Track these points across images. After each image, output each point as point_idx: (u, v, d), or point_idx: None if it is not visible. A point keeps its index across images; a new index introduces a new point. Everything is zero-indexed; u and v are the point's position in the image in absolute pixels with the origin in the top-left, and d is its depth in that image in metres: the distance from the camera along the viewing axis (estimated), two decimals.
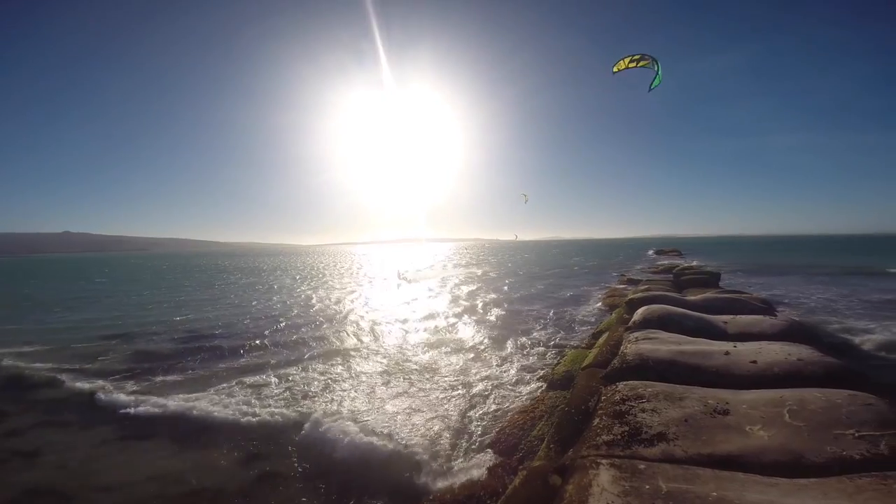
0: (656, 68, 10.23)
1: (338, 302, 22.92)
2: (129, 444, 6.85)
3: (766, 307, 8.17)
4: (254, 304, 23.08)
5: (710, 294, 8.73)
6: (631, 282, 22.52)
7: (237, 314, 19.53)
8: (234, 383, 9.59)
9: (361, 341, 13.75)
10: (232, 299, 25.30)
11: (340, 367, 10.90)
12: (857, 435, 3.72)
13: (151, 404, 8.17)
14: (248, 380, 9.83)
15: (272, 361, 11.52)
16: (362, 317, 18.04)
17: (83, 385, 9.65)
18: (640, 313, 6.73)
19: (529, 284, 30.33)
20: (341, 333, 14.82)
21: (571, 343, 12.18)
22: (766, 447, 3.80)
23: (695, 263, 37.37)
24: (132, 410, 8.02)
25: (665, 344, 5.45)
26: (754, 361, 4.76)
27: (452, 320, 17.13)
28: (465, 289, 28.04)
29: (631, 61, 10.62)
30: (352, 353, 12.32)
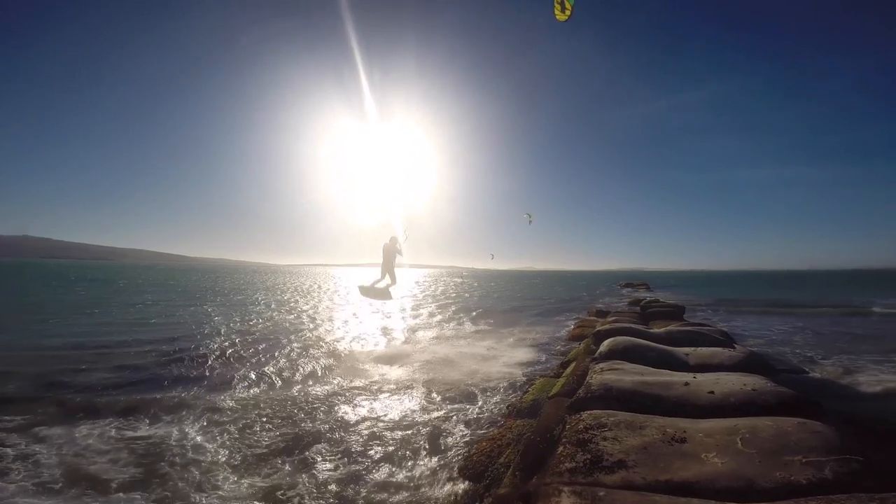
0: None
1: (297, 319, 22.41)
2: None
3: (726, 339, 8.49)
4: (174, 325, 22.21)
5: (673, 327, 9.04)
6: (600, 313, 22.92)
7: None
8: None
9: (326, 362, 13.44)
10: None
11: (299, 390, 10.63)
12: (804, 461, 3.88)
13: None
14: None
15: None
16: (324, 338, 17.68)
17: None
18: (605, 345, 6.93)
19: (502, 313, 30.47)
20: (298, 358, 14.36)
21: (540, 371, 12.29)
22: (720, 473, 3.95)
23: (661, 297, 38.59)
24: None
25: (628, 375, 5.62)
26: (712, 392, 4.96)
27: (420, 343, 17.06)
28: (437, 314, 27.96)
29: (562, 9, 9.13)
30: (313, 373, 12.06)
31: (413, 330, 21.31)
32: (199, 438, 7.39)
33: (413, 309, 31.96)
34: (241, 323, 21.86)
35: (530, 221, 35.00)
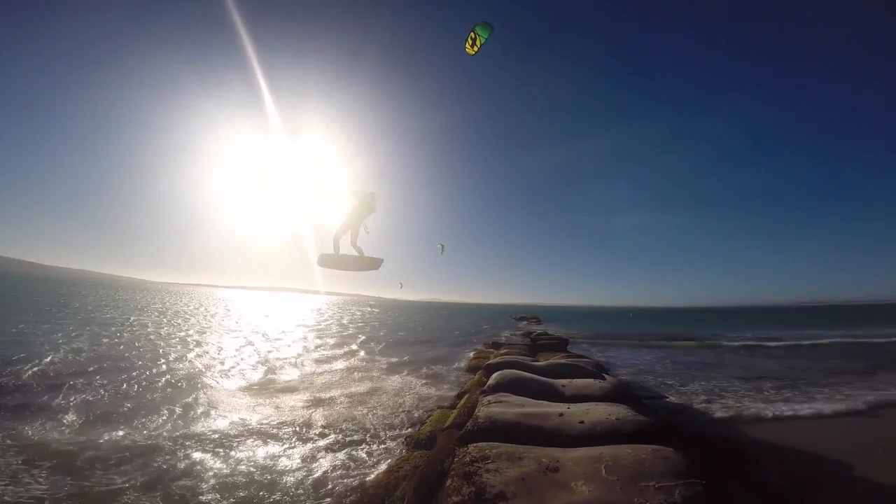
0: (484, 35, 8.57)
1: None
2: None
3: (598, 371, 9.32)
4: None
5: (554, 360, 9.75)
6: (496, 345, 23.84)
7: None
8: None
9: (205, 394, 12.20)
10: None
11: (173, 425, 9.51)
12: (657, 486, 4.30)
13: None
14: None
15: None
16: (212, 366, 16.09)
17: None
18: (494, 377, 7.27)
19: (407, 344, 30.29)
20: (176, 391, 12.91)
21: (438, 402, 12.38)
22: (587, 501, 4.28)
23: (550, 330, 41.31)
24: None
25: (512, 407, 5.94)
26: (582, 422, 5.43)
27: (319, 375, 16.29)
28: (342, 344, 26.92)
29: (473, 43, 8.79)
30: (193, 405, 10.87)
31: (315, 361, 20.30)
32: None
33: (317, 338, 30.52)
34: (95, 347, 19.05)
35: (442, 251, 35.33)
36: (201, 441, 8.68)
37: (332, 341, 28.90)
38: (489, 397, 6.47)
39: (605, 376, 9.11)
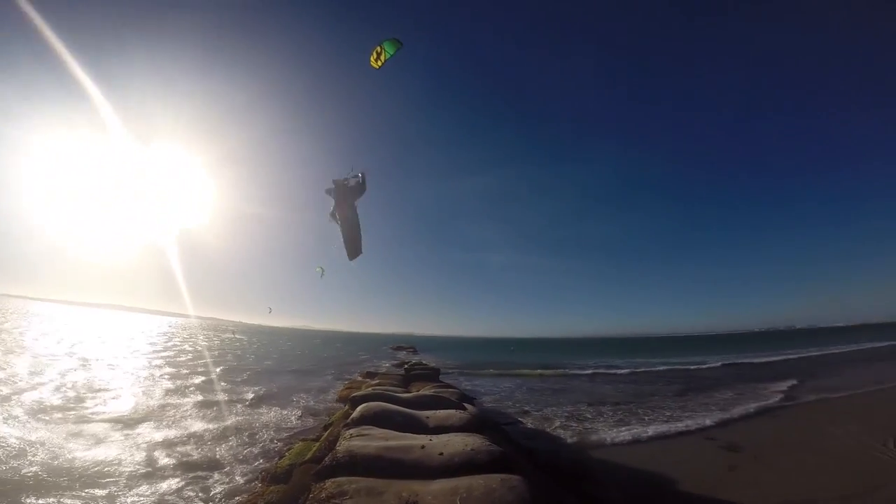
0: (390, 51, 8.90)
1: None
2: None
3: (459, 402, 9.68)
4: None
5: (420, 391, 9.90)
6: (370, 375, 23.39)
7: None
8: None
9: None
10: None
11: None
12: None
13: None
14: None
15: None
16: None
17: None
18: (358, 410, 7.16)
19: (273, 372, 28.24)
20: None
21: (303, 434, 11.89)
22: None
23: (424, 360, 41.76)
24: None
25: (375, 440, 5.89)
26: (441, 453, 5.57)
27: (171, 408, 14.49)
28: (193, 373, 23.97)
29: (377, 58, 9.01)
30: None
31: (166, 392, 18.02)
32: None
33: (167, 366, 26.88)
34: None
35: (322, 275, 33.20)
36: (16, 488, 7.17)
37: (186, 370, 25.74)
38: (351, 430, 6.34)
39: (466, 406, 9.47)
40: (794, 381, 23.76)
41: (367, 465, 5.41)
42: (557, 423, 15.14)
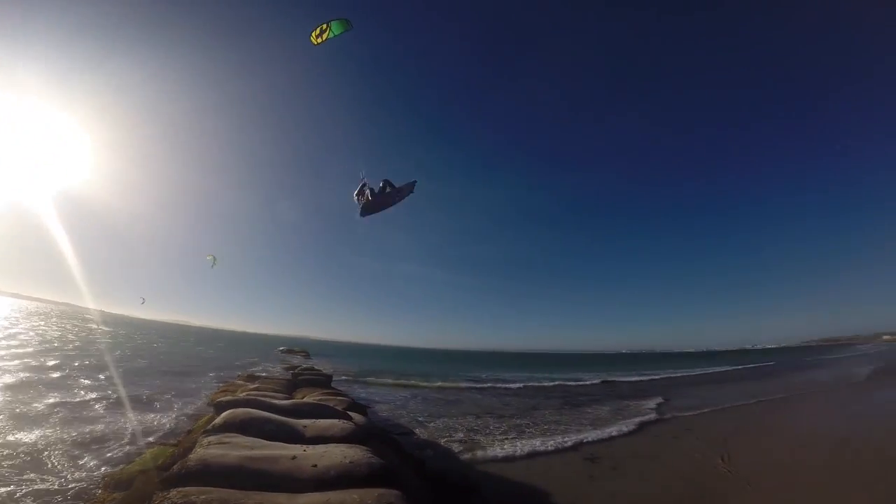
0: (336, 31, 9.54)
1: None
2: None
3: (345, 411, 9.15)
4: None
5: (301, 398, 9.19)
6: (251, 378, 21.67)
7: None
8: None
9: None
10: None
11: None
12: None
13: None
14: None
15: None
16: None
17: None
18: (222, 416, 6.39)
19: (143, 372, 24.92)
20: None
21: (162, 439, 10.52)
22: None
23: (317, 365, 39.88)
24: None
25: (237, 449, 5.24)
26: (315, 465, 5.09)
27: (19, 411, 12.04)
28: (43, 368, 20.19)
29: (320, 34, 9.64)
30: None
31: (7, 389, 14.91)
32: None
33: (11, 359, 22.41)
34: None
35: (213, 264, 29.78)
36: None
37: (35, 365, 21.69)
38: (210, 438, 5.59)
39: (353, 415, 8.97)
40: (661, 399, 26.35)
41: (225, 475, 4.78)
42: (450, 435, 15.17)
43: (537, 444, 14.07)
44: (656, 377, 49.17)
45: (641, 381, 44.61)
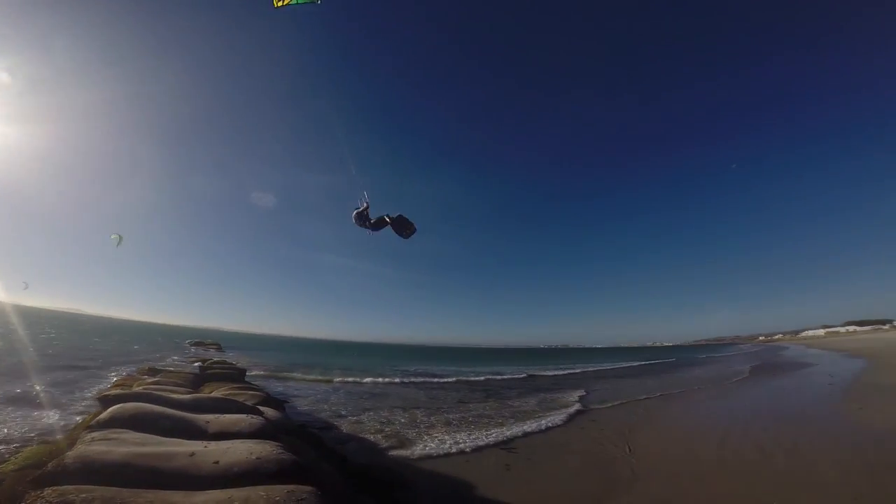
0: None
1: None
2: None
3: (253, 406, 8.53)
4: None
5: (205, 393, 8.42)
6: (152, 371, 19.85)
7: None
8: None
9: None
10: None
11: None
12: None
13: None
14: None
15: None
16: None
17: None
18: (109, 412, 5.69)
19: (24, 366, 22.00)
20: None
21: (45, 437, 9.39)
22: None
23: (230, 358, 37.42)
24: None
25: (125, 445, 4.66)
26: (217, 462, 4.65)
27: None
28: None
29: None
30: None
31: None
32: None
33: None
34: None
35: (118, 243, 26.75)
36: None
37: None
38: (94, 434, 4.93)
39: (263, 410, 8.39)
40: (582, 392, 27.62)
41: (109, 473, 4.25)
42: (374, 429, 14.91)
43: (463, 437, 14.23)
44: (575, 371, 51.59)
45: (560, 374, 46.56)
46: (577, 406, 21.29)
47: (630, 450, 12.34)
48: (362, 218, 11.61)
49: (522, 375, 44.40)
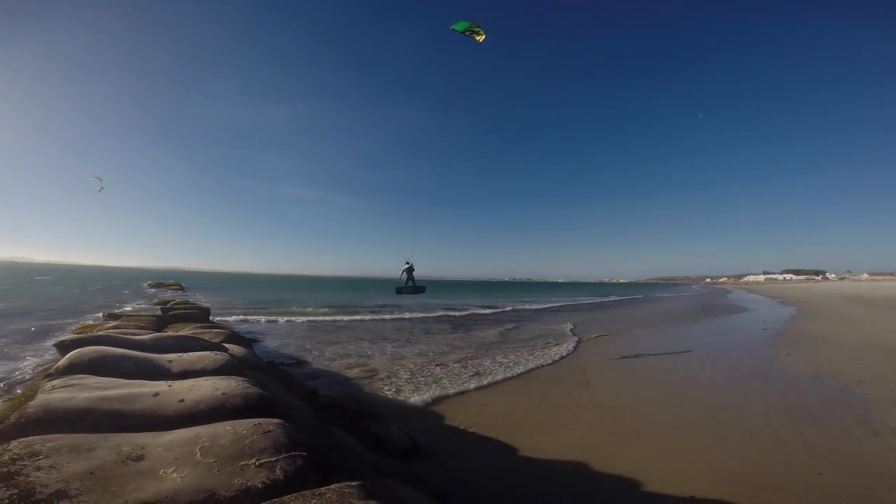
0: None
1: None
2: None
3: (218, 344, 8.61)
4: None
5: (163, 334, 8.35)
6: (113, 316, 19.48)
7: None
8: None
9: None
10: None
11: None
12: (258, 464, 3.95)
13: None
14: None
15: None
16: None
17: None
18: (67, 357, 5.61)
19: None
20: None
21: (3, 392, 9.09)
22: (179, 490, 3.64)
23: (195, 298, 36.98)
24: None
25: (87, 390, 4.68)
26: (182, 400, 4.74)
27: None
28: None
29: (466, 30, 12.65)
30: None
31: None
32: None
33: None
34: None
35: (101, 188, 25.34)
36: None
37: None
38: (55, 381, 4.90)
39: (228, 347, 8.51)
40: (572, 325, 29.09)
41: (73, 420, 4.29)
42: (344, 364, 15.26)
43: (435, 369, 14.58)
44: (558, 304, 53.85)
45: (544, 308, 48.27)
46: (572, 341, 22.52)
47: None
48: (409, 275, 19.61)
49: (508, 308, 46.01)
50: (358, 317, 33.21)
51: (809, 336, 21.57)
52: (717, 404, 10.58)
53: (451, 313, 37.83)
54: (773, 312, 38.24)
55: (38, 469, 3.51)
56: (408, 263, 19.36)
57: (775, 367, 14.59)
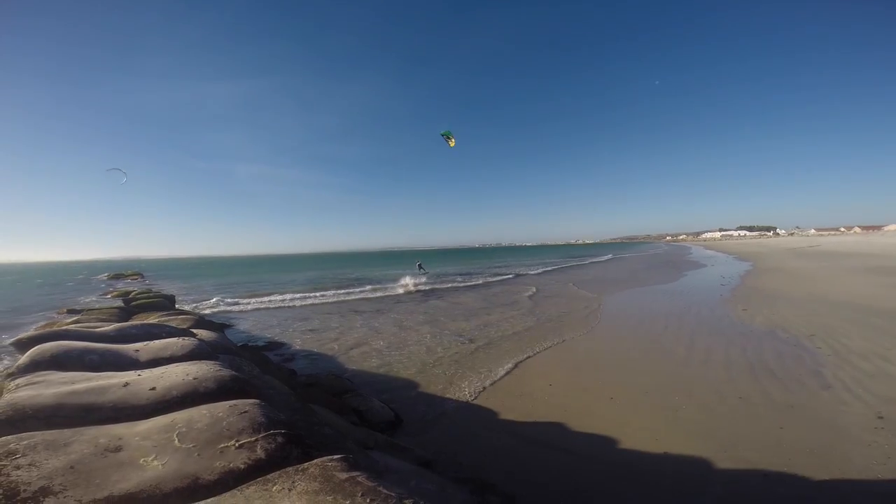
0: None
1: None
2: None
3: (186, 330, 8.48)
4: None
5: (125, 323, 8.08)
6: (73, 312, 18.78)
7: None
8: None
9: None
10: None
11: None
12: (237, 445, 3.95)
13: None
14: None
15: None
16: None
17: None
18: (28, 355, 5.42)
19: None
20: None
21: None
22: (162, 477, 3.67)
23: (156, 287, 35.67)
24: None
25: (53, 386, 4.59)
26: (154, 388, 4.72)
27: None
28: None
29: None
30: None
31: None
32: None
33: None
34: None
35: (125, 180, 23.54)
36: None
37: None
38: (18, 380, 4.77)
39: (196, 332, 8.41)
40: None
41: (44, 417, 4.22)
42: (321, 343, 15.23)
43: (412, 338, 14.94)
44: (549, 268, 54.59)
45: (543, 272, 49.13)
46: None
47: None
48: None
49: (509, 274, 46.57)
50: (331, 292, 33.09)
51: (763, 291, 22.53)
52: (683, 361, 10.93)
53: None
54: (729, 268, 39.83)
55: (17, 468, 3.48)
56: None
57: (734, 323, 15.17)
